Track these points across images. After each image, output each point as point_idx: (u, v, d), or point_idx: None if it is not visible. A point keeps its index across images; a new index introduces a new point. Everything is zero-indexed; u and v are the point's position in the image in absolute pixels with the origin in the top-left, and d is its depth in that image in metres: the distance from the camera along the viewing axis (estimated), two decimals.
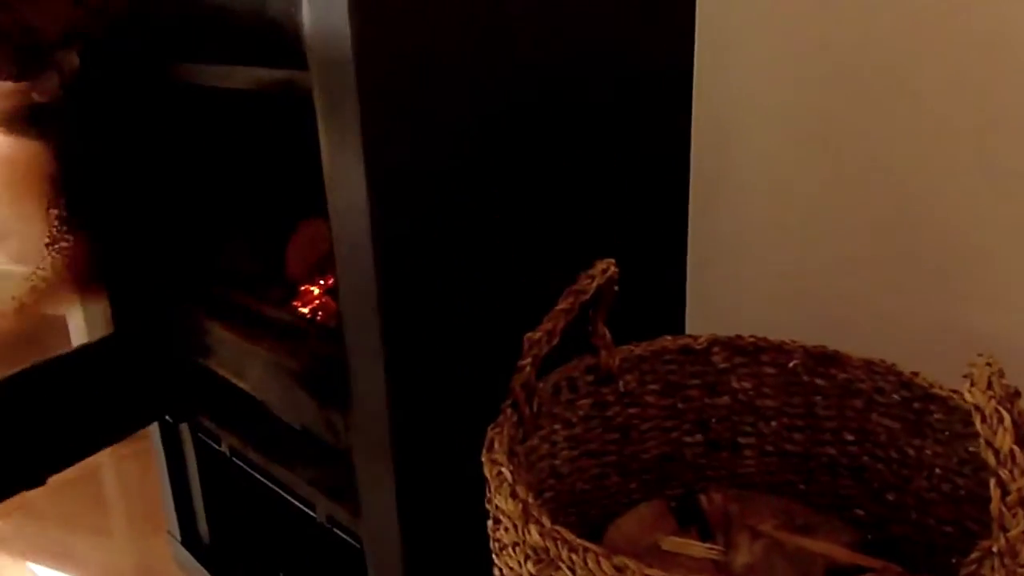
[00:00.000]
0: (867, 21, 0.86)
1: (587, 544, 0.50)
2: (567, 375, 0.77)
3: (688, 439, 0.86)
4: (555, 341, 0.69)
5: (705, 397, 0.85)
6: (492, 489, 0.61)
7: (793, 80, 0.92)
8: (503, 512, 0.59)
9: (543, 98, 0.72)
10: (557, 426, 0.77)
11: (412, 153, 0.63)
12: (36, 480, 0.94)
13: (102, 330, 1.45)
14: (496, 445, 0.63)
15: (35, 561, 1.31)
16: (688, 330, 0.97)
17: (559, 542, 0.51)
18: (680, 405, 0.85)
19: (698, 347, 0.83)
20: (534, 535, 0.53)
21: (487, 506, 0.64)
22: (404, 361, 0.66)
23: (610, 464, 0.84)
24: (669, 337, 0.84)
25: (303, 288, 0.98)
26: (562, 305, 0.68)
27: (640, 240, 0.87)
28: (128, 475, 1.51)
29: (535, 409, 0.71)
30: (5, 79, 0.71)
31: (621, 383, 0.82)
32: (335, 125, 0.62)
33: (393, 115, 0.61)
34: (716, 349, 0.84)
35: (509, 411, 0.68)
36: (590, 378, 0.79)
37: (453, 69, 0.64)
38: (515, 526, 0.56)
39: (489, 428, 0.66)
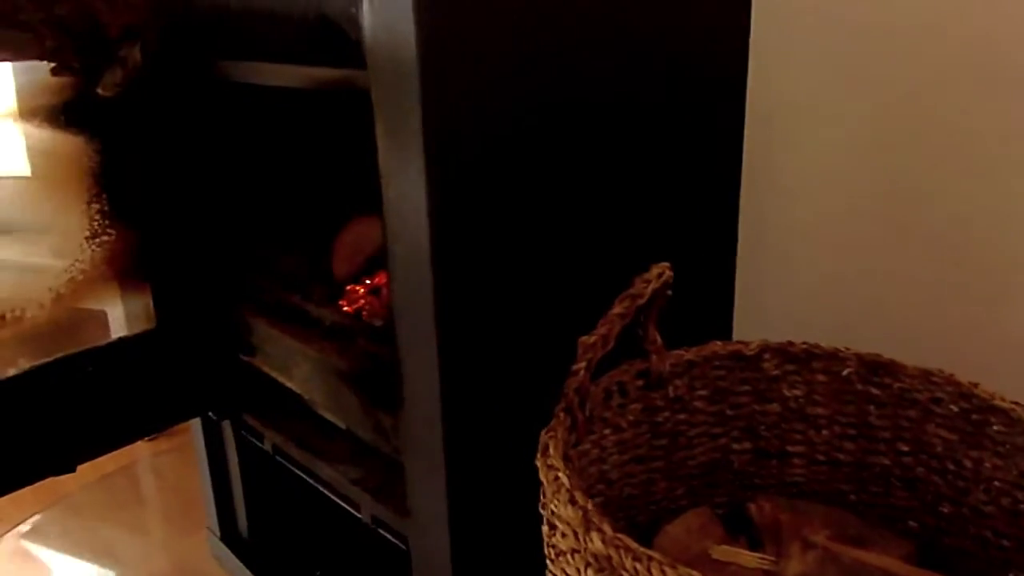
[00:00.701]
0: (922, 29, 0.84)
1: (651, 553, 0.50)
2: (618, 379, 0.76)
3: (736, 446, 0.85)
4: (610, 346, 0.68)
5: (754, 404, 0.84)
6: (548, 494, 0.60)
7: (846, 84, 0.91)
8: (560, 518, 0.58)
9: (599, 101, 0.71)
10: (607, 431, 0.77)
11: (471, 153, 0.63)
12: (67, 467, 0.95)
13: (142, 325, 1.46)
14: (551, 449, 0.62)
15: (75, 555, 1.32)
16: (735, 336, 0.96)
17: (622, 550, 0.50)
18: (729, 412, 0.84)
19: (749, 353, 0.82)
20: (596, 543, 0.52)
21: (540, 511, 0.63)
22: (458, 363, 0.66)
23: (657, 470, 0.83)
24: (719, 343, 0.83)
25: (348, 287, 0.98)
26: (617, 309, 0.67)
27: (690, 243, 0.86)
28: (166, 470, 1.52)
29: (587, 413, 0.70)
30: (67, 72, 0.71)
31: (671, 388, 0.81)
32: (394, 124, 0.62)
33: (454, 115, 0.61)
34: (767, 355, 0.82)
35: (562, 415, 0.67)
36: (640, 383, 0.78)
37: (513, 68, 0.64)
38: (574, 533, 0.55)
39: (542, 432, 0.65)
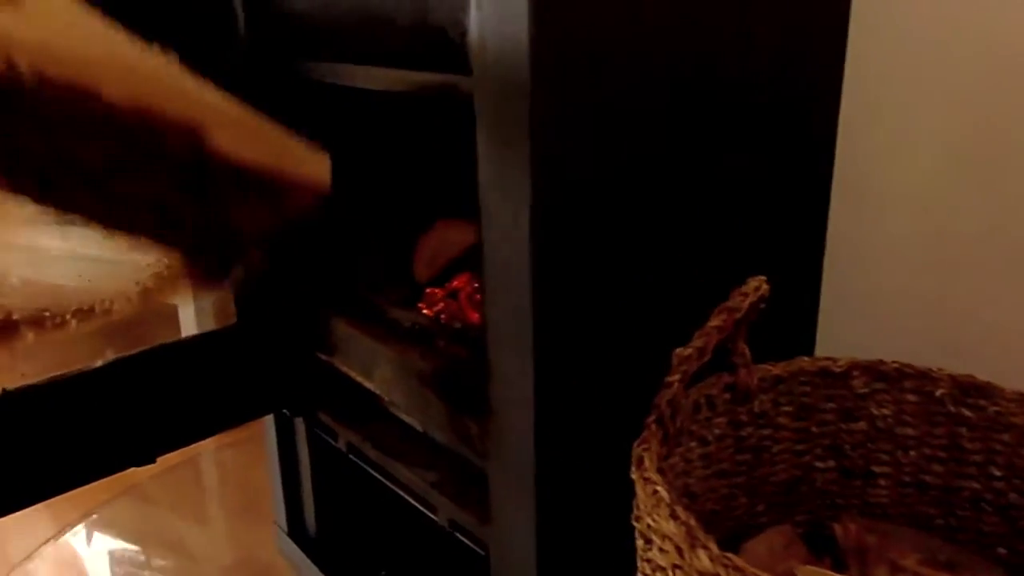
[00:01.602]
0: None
1: (760, 573, 0.49)
2: (706, 392, 0.75)
3: (819, 464, 0.84)
4: (706, 358, 0.68)
5: (840, 422, 0.83)
6: (644, 507, 0.60)
7: (943, 97, 0.89)
8: (658, 532, 0.57)
9: (699, 115, 0.71)
10: (693, 444, 0.76)
11: (576, 162, 0.62)
12: (147, 457, 0.96)
13: (212, 321, 1.49)
14: (646, 462, 0.62)
15: (142, 545, 1.34)
16: (817, 351, 0.94)
17: (731, 569, 0.50)
18: (814, 429, 0.83)
19: (837, 370, 0.81)
20: (703, 560, 0.51)
21: (634, 523, 0.63)
22: (553, 372, 0.65)
23: (739, 486, 0.82)
24: (806, 358, 0.81)
25: (427, 290, 0.98)
26: (715, 322, 0.67)
27: (778, 256, 0.84)
28: (230, 463, 1.54)
29: (679, 426, 0.69)
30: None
31: (756, 403, 0.80)
32: (500, 131, 0.62)
33: (563, 125, 0.60)
34: (856, 373, 0.81)
35: (654, 427, 0.67)
36: (727, 396, 0.77)
37: (623, 80, 0.63)
38: (676, 549, 0.54)
39: (635, 444, 0.65)
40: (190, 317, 1.47)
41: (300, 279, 1.00)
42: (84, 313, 0.93)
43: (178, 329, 1.51)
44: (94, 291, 0.93)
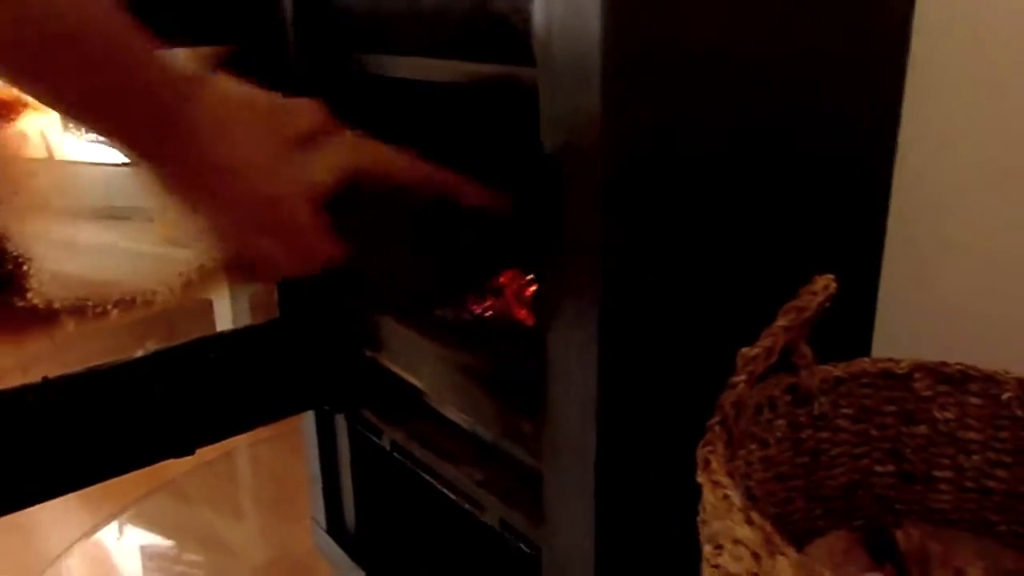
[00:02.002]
0: None
1: None
2: (768, 394, 0.73)
3: (879, 468, 0.82)
4: (773, 359, 0.66)
5: (901, 425, 0.80)
6: (713, 512, 0.58)
7: (1006, 97, 0.86)
8: (730, 537, 0.56)
9: (767, 120, 0.69)
10: (753, 446, 0.74)
11: (644, 155, 0.61)
12: (186, 449, 0.95)
13: (247, 317, 1.48)
14: (714, 465, 0.60)
15: (178, 540, 1.34)
16: (874, 352, 0.92)
17: (813, 575, 0.48)
18: (873, 432, 0.81)
19: (899, 372, 0.79)
20: (782, 566, 0.49)
21: (701, 527, 0.61)
22: (617, 369, 0.64)
23: (797, 489, 0.80)
24: (867, 359, 0.79)
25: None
26: (782, 322, 0.65)
27: (836, 254, 0.82)
28: (266, 458, 1.54)
29: (742, 428, 0.67)
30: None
31: (816, 405, 0.78)
32: (565, 125, 0.60)
33: (632, 118, 0.59)
34: (918, 375, 0.79)
35: (718, 429, 0.65)
36: (788, 398, 0.75)
37: (691, 77, 0.62)
38: (753, 555, 0.53)
39: (699, 447, 0.63)
40: (226, 312, 1.46)
41: (344, 272, 0.99)
42: (126, 304, 0.93)
43: (212, 324, 1.50)
44: (136, 282, 0.93)
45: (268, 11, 0.90)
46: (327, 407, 1.06)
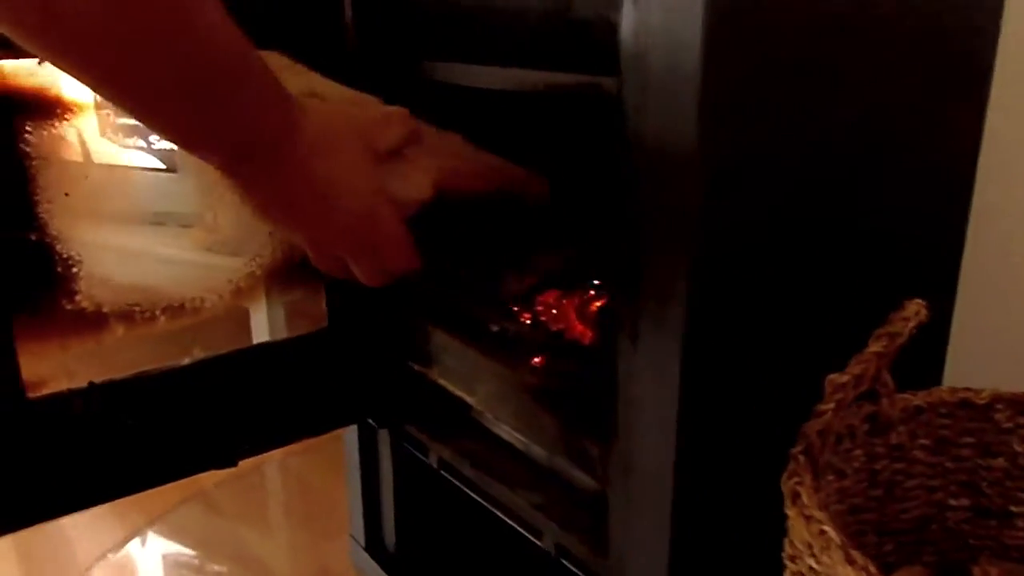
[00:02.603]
0: None
1: None
2: (848, 422, 0.70)
3: (953, 502, 0.78)
4: (863, 387, 0.63)
5: (978, 457, 0.77)
6: (807, 548, 0.55)
7: None
8: None
9: (858, 141, 0.66)
10: (831, 477, 0.71)
11: (739, 174, 0.58)
12: (228, 460, 0.93)
13: (283, 328, 1.45)
14: (804, 498, 0.57)
15: (210, 554, 1.31)
16: (946, 381, 0.89)
17: None
18: (949, 464, 0.77)
19: (979, 402, 0.75)
20: None
21: (789, 564, 0.58)
22: (698, 391, 0.61)
23: (869, 523, 0.76)
24: (946, 389, 0.76)
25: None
26: (875, 348, 0.62)
27: (914, 280, 0.79)
28: (299, 472, 1.51)
29: (826, 459, 0.64)
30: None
31: (894, 435, 0.74)
32: (654, 137, 0.57)
33: (729, 134, 0.56)
34: (1000, 406, 0.75)
35: (802, 459, 0.62)
36: (867, 427, 0.72)
37: (792, 101, 0.59)
38: None
39: (784, 478, 0.60)
40: (262, 320, 1.44)
41: (395, 285, 0.96)
42: (174, 310, 0.90)
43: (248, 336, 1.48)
44: (185, 289, 0.90)
45: (328, 15, 0.88)
46: (371, 421, 1.03)
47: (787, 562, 0.58)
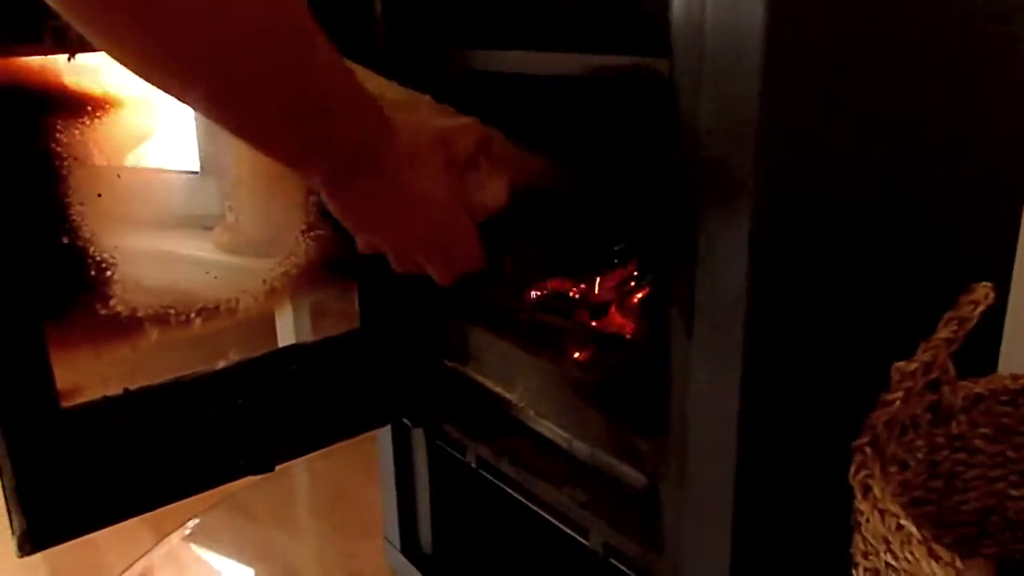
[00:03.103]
0: None
1: None
2: (911, 412, 0.68)
3: (1014, 492, 0.76)
4: (932, 375, 0.61)
5: None
6: (882, 544, 0.53)
7: None
8: (906, 572, 0.50)
9: (919, 125, 0.64)
10: (893, 469, 0.68)
11: (800, 156, 0.56)
12: (266, 465, 0.91)
13: (308, 328, 1.43)
14: (876, 491, 0.55)
15: (241, 558, 1.29)
16: (1001, 368, 0.86)
17: None
18: (1010, 453, 0.75)
19: None
20: None
21: (860, 559, 0.56)
22: (760, 383, 0.59)
23: (928, 515, 0.74)
24: (1007, 376, 0.74)
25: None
26: (943, 333, 0.60)
27: (971, 265, 0.77)
28: (325, 473, 1.49)
29: (892, 450, 0.62)
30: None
31: (954, 424, 0.72)
32: (710, 119, 0.55)
33: (790, 116, 0.54)
34: None
35: (869, 451, 0.60)
36: (928, 417, 0.70)
37: (850, 81, 0.57)
38: None
39: (853, 472, 0.58)
40: (288, 322, 1.42)
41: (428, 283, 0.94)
42: (209, 312, 0.89)
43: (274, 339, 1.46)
44: (220, 291, 0.89)
45: (355, 3, 0.86)
46: (406, 421, 1.01)
47: (859, 558, 0.56)
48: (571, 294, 0.90)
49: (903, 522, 0.51)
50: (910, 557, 0.50)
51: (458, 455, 0.96)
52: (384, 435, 1.07)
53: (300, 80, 0.48)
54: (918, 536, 0.50)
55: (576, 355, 0.82)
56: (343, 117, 0.53)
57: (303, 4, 0.46)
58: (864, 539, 0.55)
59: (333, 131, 0.53)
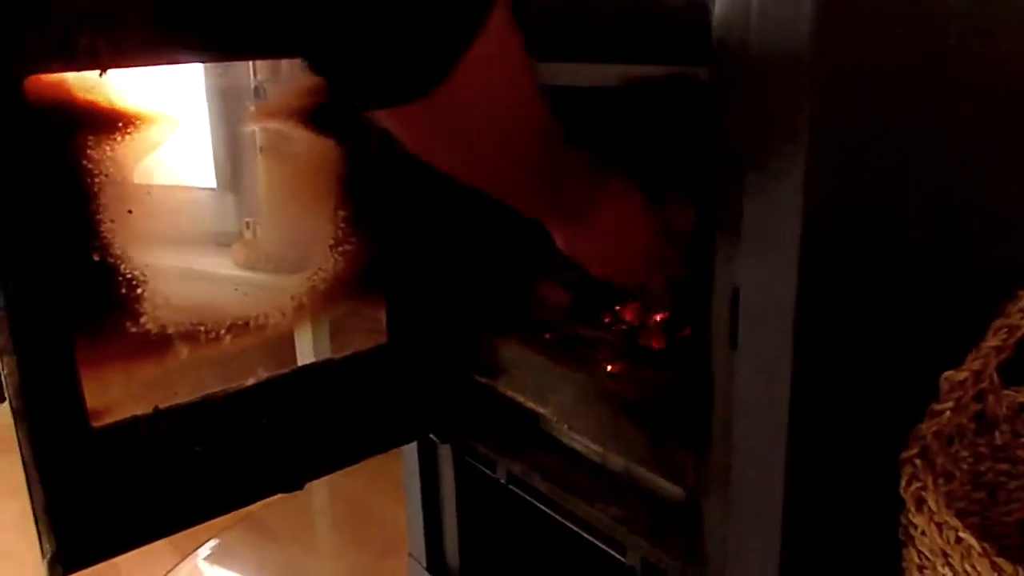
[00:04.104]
0: None
1: None
2: (957, 422, 0.67)
3: None
4: (982, 384, 0.60)
5: None
6: (940, 557, 0.52)
7: None
8: None
9: (962, 130, 0.64)
10: (940, 480, 0.67)
11: (847, 163, 0.55)
12: (295, 483, 0.90)
13: (327, 345, 1.43)
14: (931, 503, 0.54)
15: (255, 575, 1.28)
16: None
17: None
18: None
19: None
20: None
21: (919, 574, 0.55)
22: (809, 395, 0.58)
23: (972, 527, 0.73)
24: None
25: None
26: (993, 342, 0.59)
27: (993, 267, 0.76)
28: (345, 490, 1.48)
29: (941, 462, 0.61)
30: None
31: (997, 434, 0.71)
32: (755, 127, 0.55)
33: (838, 123, 0.53)
34: None
35: (920, 463, 0.59)
36: (973, 427, 0.69)
37: (897, 85, 0.56)
38: None
39: (905, 484, 0.57)
40: (307, 337, 1.41)
41: (456, 295, 0.94)
42: (238, 328, 0.88)
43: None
44: (249, 307, 0.88)
45: None
46: (433, 436, 1.01)
47: (915, 572, 0.55)
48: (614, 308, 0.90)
49: (963, 535, 0.50)
50: (970, 570, 0.49)
51: (488, 471, 0.95)
52: (410, 450, 1.07)
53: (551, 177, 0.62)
54: (978, 548, 0.49)
55: (611, 367, 0.81)
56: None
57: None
58: (919, 552, 0.55)
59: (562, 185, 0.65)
